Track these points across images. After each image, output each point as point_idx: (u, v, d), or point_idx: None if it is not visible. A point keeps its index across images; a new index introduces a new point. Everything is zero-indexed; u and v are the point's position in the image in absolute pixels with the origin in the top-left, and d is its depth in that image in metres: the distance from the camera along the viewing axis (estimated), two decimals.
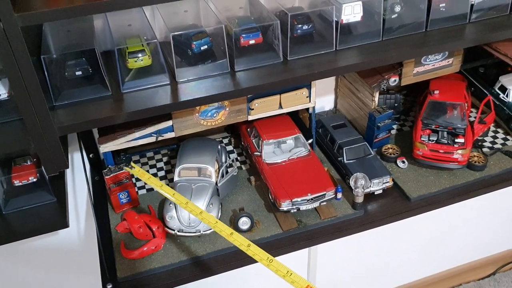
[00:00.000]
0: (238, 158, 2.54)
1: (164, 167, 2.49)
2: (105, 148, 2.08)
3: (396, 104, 2.69)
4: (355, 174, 2.16)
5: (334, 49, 2.06)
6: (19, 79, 1.55)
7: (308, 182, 2.12)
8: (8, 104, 1.80)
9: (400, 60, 2.33)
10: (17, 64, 1.52)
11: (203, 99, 1.87)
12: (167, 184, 2.21)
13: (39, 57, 1.74)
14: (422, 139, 2.33)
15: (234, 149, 2.60)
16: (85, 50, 1.84)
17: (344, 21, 2.05)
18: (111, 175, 2.12)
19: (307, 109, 2.39)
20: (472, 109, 2.70)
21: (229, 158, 2.47)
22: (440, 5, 2.16)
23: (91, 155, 2.50)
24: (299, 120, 2.53)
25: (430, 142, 2.31)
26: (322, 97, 2.82)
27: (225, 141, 2.65)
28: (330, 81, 2.80)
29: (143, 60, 1.92)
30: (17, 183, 2.02)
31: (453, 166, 2.29)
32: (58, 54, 1.83)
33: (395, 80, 2.43)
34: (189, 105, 1.88)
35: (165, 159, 2.54)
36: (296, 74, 1.94)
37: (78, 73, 1.86)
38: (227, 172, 2.25)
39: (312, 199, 2.07)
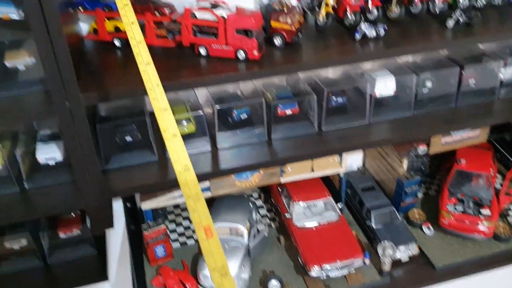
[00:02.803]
0: (268, 214, 2.64)
1: None
2: (146, 205, 2.20)
3: (422, 167, 2.77)
4: (383, 242, 2.23)
5: (367, 122, 2.17)
6: (77, 146, 1.69)
7: (337, 248, 2.20)
8: (61, 166, 1.93)
9: (430, 135, 2.42)
10: (77, 134, 1.66)
11: (242, 168, 1.99)
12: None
13: (94, 125, 1.89)
14: (448, 208, 2.40)
15: (264, 204, 2.70)
16: (136, 117, 1.97)
17: (378, 95, 2.16)
18: (150, 231, 2.24)
19: None
20: (498, 175, 2.76)
21: (259, 214, 2.56)
22: (470, 81, 2.25)
23: (128, 204, 2.62)
24: (329, 180, 2.62)
25: (456, 212, 2.38)
26: (351, 156, 2.91)
27: (255, 194, 2.75)
28: None
29: (187, 128, 2.05)
30: (62, 235, 2.14)
31: (478, 237, 2.35)
32: (111, 121, 1.96)
33: (424, 149, 2.52)
34: (228, 173, 2.00)
35: None
36: (330, 147, 2.05)
37: (128, 139, 1.99)
38: (258, 231, 2.35)
39: (341, 266, 2.15)
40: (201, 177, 1.96)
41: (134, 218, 2.59)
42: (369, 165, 2.89)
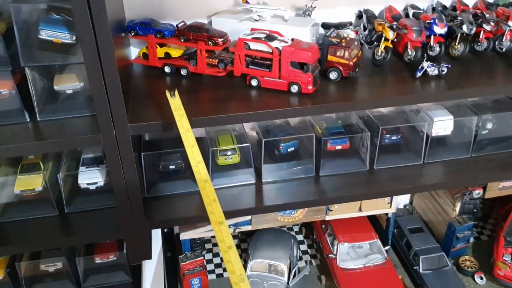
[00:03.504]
0: (309, 250, 2.52)
1: None
2: (185, 235, 2.13)
3: (474, 210, 2.61)
4: None
5: (421, 162, 2.05)
6: (120, 172, 1.64)
7: None
8: (102, 191, 1.88)
9: (488, 182, 2.27)
10: (121, 161, 1.61)
11: (286, 206, 1.90)
12: None
13: (139, 151, 1.84)
14: (504, 258, 2.24)
15: (305, 240, 2.59)
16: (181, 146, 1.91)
17: (434, 134, 2.03)
18: (187, 262, 2.17)
19: None
20: None
21: (300, 250, 2.45)
22: None
23: (165, 229, 2.56)
24: (375, 219, 2.50)
25: None
26: None
27: (295, 227, 2.65)
28: None
29: (232, 158, 1.97)
30: (98, 260, 2.09)
31: None
32: (156, 148, 1.91)
33: (479, 193, 2.37)
34: (272, 210, 1.91)
35: (235, 241, 2.56)
36: (382, 188, 1.94)
37: (172, 167, 1.93)
38: (298, 270, 2.24)
39: None
40: (243, 213, 1.89)
41: (170, 243, 2.53)
42: (416, 203, 2.75)
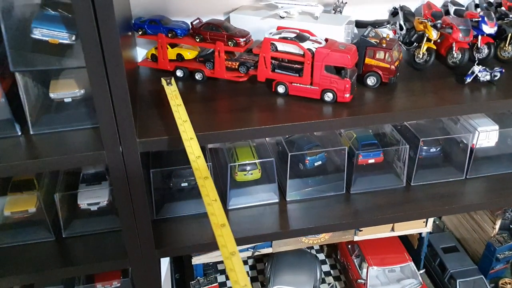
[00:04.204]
0: (332, 271, 2.29)
1: (249, 271, 2.28)
2: (198, 260, 1.90)
3: (511, 226, 2.39)
4: None
5: (463, 177, 1.82)
6: (126, 193, 1.40)
7: None
8: (105, 211, 1.65)
9: None
10: (128, 180, 1.38)
11: (314, 229, 1.67)
12: None
13: (147, 167, 1.61)
14: None
15: (327, 259, 2.36)
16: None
17: (476, 146, 1.81)
18: None
19: None
20: None
21: (322, 271, 2.23)
22: None
23: None
24: (405, 237, 2.26)
25: None
26: None
27: (316, 245, 2.42)
28: None
29: (252, 174, 1.75)
30: (99, 287, 1.86)
31: None
32: (166, 164, 1.68)
33: None
34: (299, 234, 1.69)
35: (250, 261, 2.33)
36: (421, 208, 1.71)
37: (184, 184, 1.70)
38: None
39: None
40: (265, 238, 1.66)
41: (179, 263, 2.30)
42: (447, 218, 2.52)
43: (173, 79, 1.51)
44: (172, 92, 1.44)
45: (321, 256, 2.36)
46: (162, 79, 1.51)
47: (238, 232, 1.60)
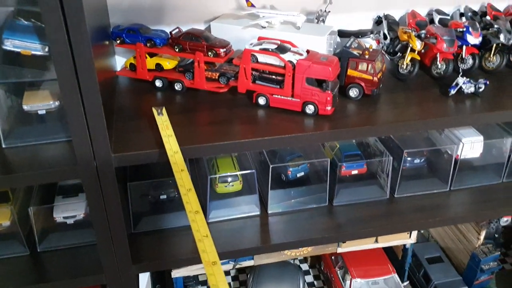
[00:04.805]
0: (315, 282, 2.27)
1: (231, 282, 2.25)
2: (177, 273, 1.86)
3: (496, 235, 2.37)
4: None
5: (448, 189, 1.80)
6: (101, 207, 1.36)
7: None
8: (81, 224, 1.61)
9: None
10: (103, 194, 1.34)
11: (297, 243, 1.63)
12: None
13: (124, 181, 1.56)
14: None
15: (310, 269, 2.33)
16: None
17: (461, 157, 1.79)
18: None
19: None
20: None
21: (306, 282, 2.20)
22: None
23: None
24: (389, 248, 2.23)
25: None
26: None
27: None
28: None
29: (233, 186, 1.71)
30: None
31: None
32: (144, 177, 1.64)
33: (507, 220, 2.14)
34: (280, 249, 1.65)
35: (232, 272, 2.30)
36: (405, 221, 1.68)
37: (163, 197, 1.66)
38: None
39: None
40: (246, 253, 1.62)
41: (160, 274, 2.25)
42: (433, 229, 2.50)
43: (164, 108, 1.47)
44: (163, 122, 1.41)
45: (305, 267, 2.33)
46: (153, 108, 1.47)
47: (218, 246, 1.54)
